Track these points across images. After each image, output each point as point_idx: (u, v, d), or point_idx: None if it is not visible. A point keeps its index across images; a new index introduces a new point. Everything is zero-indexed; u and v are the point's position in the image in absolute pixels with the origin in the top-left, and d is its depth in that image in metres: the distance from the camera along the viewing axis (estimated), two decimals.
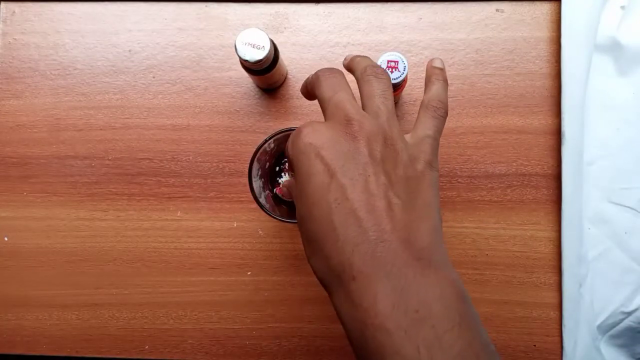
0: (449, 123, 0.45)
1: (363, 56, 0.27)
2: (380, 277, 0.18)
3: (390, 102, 0.24)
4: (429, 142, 0.23)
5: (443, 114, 0.25)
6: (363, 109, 0.24)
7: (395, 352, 0.17)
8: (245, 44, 0.37)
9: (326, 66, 0.46)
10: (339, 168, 0.20)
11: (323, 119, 0.24)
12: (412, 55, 0.46)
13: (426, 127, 0.24)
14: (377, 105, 0.23)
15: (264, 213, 0.36)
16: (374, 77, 0.24)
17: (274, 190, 0.43)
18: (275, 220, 0.37)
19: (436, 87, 0.26)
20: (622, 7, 0.45)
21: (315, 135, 0.21)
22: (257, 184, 0.37)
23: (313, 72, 0.26)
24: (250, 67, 0.39)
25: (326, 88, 0.24)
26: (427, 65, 0.27)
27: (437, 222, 0.22)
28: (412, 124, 0.31)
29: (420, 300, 0.18)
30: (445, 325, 0.17)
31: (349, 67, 0.28)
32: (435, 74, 0.26)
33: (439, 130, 0.24)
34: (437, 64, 0.27)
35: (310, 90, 0.26)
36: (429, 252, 0.20)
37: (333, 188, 0.20)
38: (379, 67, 0.25)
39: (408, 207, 0.20)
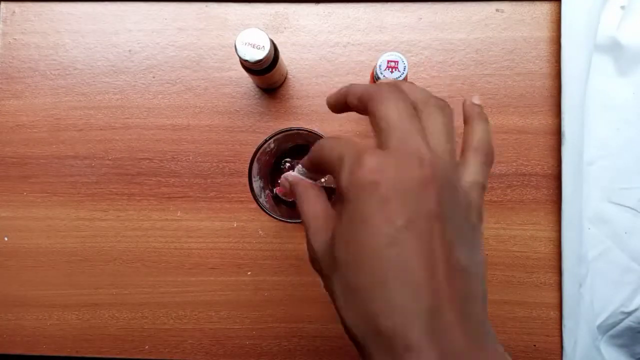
0: None
1: (411, 83, 0.24)
2: (435, 351, 0.17)
3: (454, 138, 0.21)
4: (479, 191, 0.21)
5: (493, 160, 0.23)
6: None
7: None
8: (245, 44, 0.37)
9: (326, 66, 0.46)
10: (403, 221, 0.18)
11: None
12: (412, 55, 0.46)
13: (477, 173, 0.22)
14: (444, 144, 0.21)
15: (264, 213, 0.36)
16: (439, 109, 0.21)
17: (274, 190, 0.43)
18: (275, 220, 0.37)
19: (482, 129, 0.23)
20: (622, 7, 0.45)
21: (382, 174, 0.18)
22: (257, 184, 0.37)
23: (342, 85, 0.23)
24: (250, 67, 0.39)
25: (393, 108, 0.20)
26: (464, 104, 0.24)
27: (484, 281, 0.20)
28: None
29: None
30: None
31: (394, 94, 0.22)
32: (477, 112, 0.23)
33: (487, 178, 0.22)
34: (477, 100, 0.24)
35: (361, 102, 0.22)
36: (484, 329, 0.19)
37: (393, 243, 0.18)
38: (441, 99, 0.22)
39: (465, 271, 0.19)
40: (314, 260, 0.22)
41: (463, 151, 0.23)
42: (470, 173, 0.21)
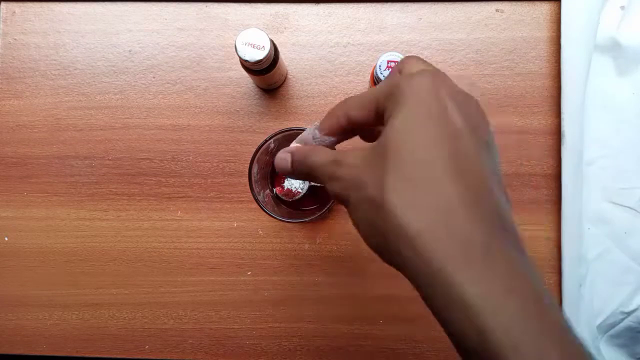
0: None
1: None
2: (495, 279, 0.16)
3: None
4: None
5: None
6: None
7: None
8: (246, 44, 0.37)
9: (326, 66, 0.46)
10: (463, 124, 0.18)
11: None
12: None
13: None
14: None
15: (264, 213, 0.36)
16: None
17: (274, 190, 0.43)
18: (275, 220, 0.37)
19: None
20: (622, 8, 0.45)
21: (443, 81, 0.19)
22: (257, 184, 0.37)
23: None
24: (251, 67, 0.39)
25: (415, 59, 0.21)
26: None
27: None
28: None
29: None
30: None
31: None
32: None
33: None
34: None
35: (379, 96, 0.21)
36: (509, 224, 0.19)
37: (458, 136, 0.18)
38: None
39: (507, 209, 0.19)
40: (340, 179, 0.20)
41: None
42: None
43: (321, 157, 0.21)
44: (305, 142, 0.24)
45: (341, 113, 0.22)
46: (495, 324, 0.15)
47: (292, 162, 0.23)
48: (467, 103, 0.19)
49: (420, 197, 0.17)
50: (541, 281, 0.17)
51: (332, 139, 0.23)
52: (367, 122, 0.21)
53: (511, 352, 0.15)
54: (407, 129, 0.18)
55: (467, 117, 0.19)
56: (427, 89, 0.18)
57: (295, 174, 0.23)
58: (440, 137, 0.18)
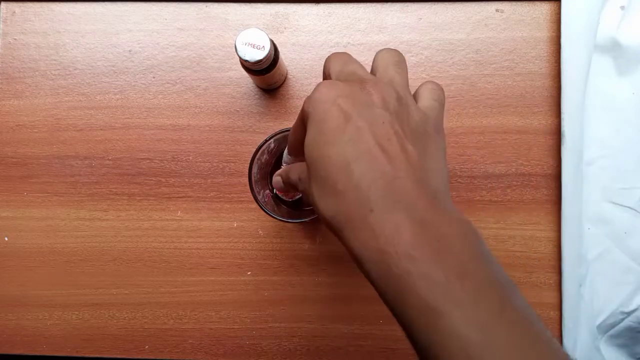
0: (449, 123, 0.45)
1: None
2: (398, 209, 0.19)
3: (404, 72, 0.24)
4: (435, 108, 0.24)
5: (441, 88, 0.25)
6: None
7: (423, 276, 0.17)
8: (245, 44, 0.37)
9: None
10: (355, 113, 0.21)
11: None
12: (412, 55, 0.46)
13: (430, 96, 0.24)
14: (391, 74, 0.24)
15: (264, 213, 0.36)
16: (387, 51, 0.25)
17: (274, 190, 0.43)
18: (275, 220, 0.37)
19: (429, 82, 0.26)
20: (622, 8, 0.45)
21: (332, 88, 0.22)
22: (257, 184, 0.37)
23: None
24: (250, 67, 0.39)
25: (337, 62, 0.25)
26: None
27: (447, 178, 0.22)
28: None
29: (440, 233, 0.18)
30: (467, 256, 0.18)
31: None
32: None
33: (442, 100, 0.24)
34: None
35: (324, 70, 0.26)
36: (443, 196, 0.20)
37: (349, 129, 0.20)
38: (394, 48, 0.26)
39: (421, 156, 0.21)
40: (305, 195, 0.24)
41: (414, 97, 0.25)
42: (425, 97, 0.24)
43: (293, 176, 0.26)
44: (286, 162, 0.33)
45: (291, 138, 0.26)
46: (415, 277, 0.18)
47: (283, 181, 0.29)
48: (359, 94, 0.22)
49: (326, 191, 0.21)
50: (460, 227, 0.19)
51: (296, 158, 0.30)
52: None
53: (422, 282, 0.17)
54: (312, 143, 0.21)
55: (360, 106, 0.21)
56: (321, 103, 0.21)
57: (288, 189, 0.29)
58: (335, 135, 0.21)
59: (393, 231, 0.18)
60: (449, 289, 0.17)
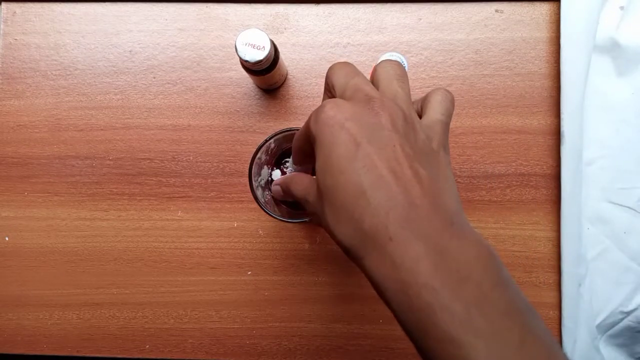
0: None
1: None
2: (417, 238, 0.19)
3: (407, 86, 0.24)
4: (440, 126, 0.24)
5: (452, 98, 0.25)
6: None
7: (443, 308, 0.17)
8: (246, 44, 0.37)
9: (326, 67, 0.46)
10: (364, 138, 0.21)
11: None
12: (412, 56, 0.46)
13: (439, 109, 0.24)
14: (395, 89, 0.24)
15: (264, 213, 0.36)
16: (389, 64, 0.25)
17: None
18: (275, 220, 0.37)
19: (438, 89, 0.26)
20: (621, 8, 0.45)
21: (339, 109, 0.22)
22: (257, 184, 0.37)
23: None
24: (251, 68, 0.39)
25: (341, 75, 0.25)
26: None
27: (458, 194, 0.22)
28: None
29: (460, 261, 0.18)
30: (488, 284, 0.18)
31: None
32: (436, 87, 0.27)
33: (450, 113, 0.25)
34: None
35: (327, 81, 0.26)
36: (459, 218, 0.20)
37: (360, 156, 0.20)
38: (395, 60, 0.26)
39: (432, 178, 0.21)
40: (314, 214, 0.24)
41: (422, 104, 0.25)
42: (431, 112, 0.24)
43: (297, 192, 0.26)
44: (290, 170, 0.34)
45: (296, 147, 0.26)
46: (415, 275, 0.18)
47: (282, 191, 0.29)
48: (368, 117, 0.22)
49: (343, 219, 0.21)
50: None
51: (301, 167, 0.30)
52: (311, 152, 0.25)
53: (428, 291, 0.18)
54: (323, 170, 0.22)
55: (369, 130, 0.21)
56: (328, 126, 0.21)
57: (287, 199, 0.29)
58: (347, 162, 0.21)
59: (413, 262, 0.18)
60: (469, 320, 0.17)
